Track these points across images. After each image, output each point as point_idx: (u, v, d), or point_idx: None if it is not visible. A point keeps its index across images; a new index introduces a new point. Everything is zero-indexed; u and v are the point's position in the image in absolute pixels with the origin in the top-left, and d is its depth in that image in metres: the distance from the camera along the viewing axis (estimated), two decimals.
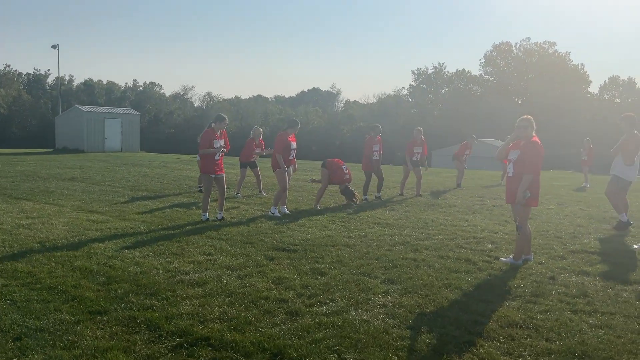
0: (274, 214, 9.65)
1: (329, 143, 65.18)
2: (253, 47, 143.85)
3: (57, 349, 3.87)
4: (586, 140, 18.70)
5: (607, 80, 77.88)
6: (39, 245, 7.02)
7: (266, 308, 4.79)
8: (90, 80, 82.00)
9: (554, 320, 4.63)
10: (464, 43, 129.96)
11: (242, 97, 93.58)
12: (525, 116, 6.48)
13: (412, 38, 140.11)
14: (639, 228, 8.99)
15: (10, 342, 3.96)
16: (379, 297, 5.15)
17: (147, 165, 22.26)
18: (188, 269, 6.02)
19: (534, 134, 6.40)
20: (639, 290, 5.56)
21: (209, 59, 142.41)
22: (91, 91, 78.47)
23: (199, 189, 13.43)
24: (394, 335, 4.26)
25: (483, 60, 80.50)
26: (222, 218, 9.19)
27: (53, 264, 6.09)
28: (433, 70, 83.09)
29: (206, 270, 5.98)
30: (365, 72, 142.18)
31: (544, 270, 6.23)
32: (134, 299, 4.92)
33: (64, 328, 4.23)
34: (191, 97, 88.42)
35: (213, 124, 9.28)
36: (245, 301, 4.96)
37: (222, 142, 9.19)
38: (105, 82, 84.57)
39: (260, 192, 12.94)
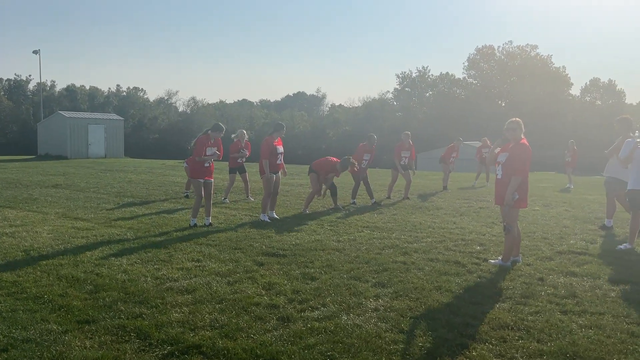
0: (263, 220, 9.61)
1: (314, 147, 65.18)
2: (238, 51, 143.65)
3: (45, 359, 3.80)
4: (570, 142, 18.93)
5: (588, 83, 78.85)
6: (23, 253, 6.90)
7: (257, 314, 4.76)
8: (73, 85, 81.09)
9: (545, 322, 4.66)
10: (448, 47, 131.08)
11: (227, 102, 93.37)
12: (514, 119, 6.54)
13: (396, 42, 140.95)
14: (624, 229, 9.10)
15: None
16: (370, 301, 5.14)
17: (132, 171, 22.06)
18: (177, 275, 5.96)
19: (522, 137, 6.45)
20: (626, 290, 5.61)
21: (193, 64, 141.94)
22: (73, 97, 77.59)
23: (185, 194, 13.33)
24: (387, 339, 4.25)
25: (466, 64, 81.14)
26: (210, 224, 9.13)
27: (39, 272, 5.99)
28: (417, 73, 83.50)
29: (195, 276, 5.92)
30: (350, 76, 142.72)
31: (532, 272, 6.27)
32: (122, 307, 4.85)
33: (52, 338, 4.15)
34: (175, 102, 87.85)
35: (210, 132, 9.23)
36: (236, 307, 4.91)
37: (214, 149, 9.19)
38: (88, 87, 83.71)
39: (247, 197, 12.88)
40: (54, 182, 16.35)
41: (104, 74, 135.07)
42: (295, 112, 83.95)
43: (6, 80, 79.48)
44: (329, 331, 4.38)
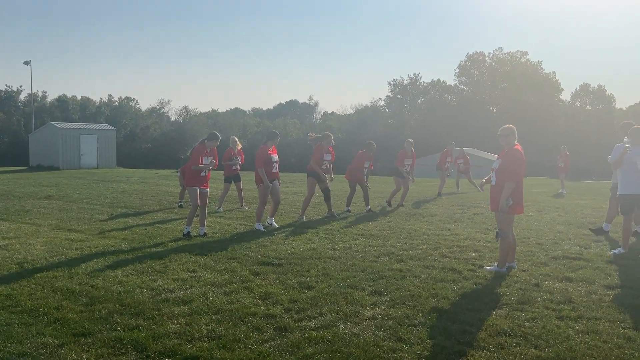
0: (258, 229, 9.59)
1: (307, 155, 64.86)
2: (229, 60, 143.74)
3: None
4: (562, 147, 19.05)
5: (578, 88, 79.63)
6: (17, 266, 6.85)
7: (254, 324, 4.74)
8: (64, 96, 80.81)
9: (541, 328, 4.67)
10: (439, 54, 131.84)
11: (220, 111, 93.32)
12: (507, 125, 6.59)
13: (387, 49, 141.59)
14: (617, 233, 9.15)
15: None
16: (368, 310, 5.14)
17: (125, 181, 21.98)
18: (172, 286, 5.93)
19: (516, 143, 6.50)
20: (622, 295, 5.64)
21: (185, 73, 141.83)
22: (65, 107, 77.30)
23: (179, 204, 13.29)
24: (385, 347, 4.25)
25: (457, 70, 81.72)
26: (205, 233, 9.10)
27: (33, 285, 5.94)
28: (409, 80, 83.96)
29: (191, 287, 5.90)
30: (342, 83, 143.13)
31: (528, 278, 6.30)
32: (118, 319, 4.82)
33: (48, 352, 4.11)
34: (168, 112, 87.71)
35: (206, 141, 9.23)
36: (233, 318, 4.90)
37: (210, 159, 9.21)
38: (79, 97, 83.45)
39: (242, 206, 12.85)
40: (47, 193, 16.26)
41: (96, 84, 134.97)
42: (287, 120, 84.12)
43: None
44: (327, 340, 4.37)
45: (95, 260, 7.20)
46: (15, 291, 5.71)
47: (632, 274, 6.55)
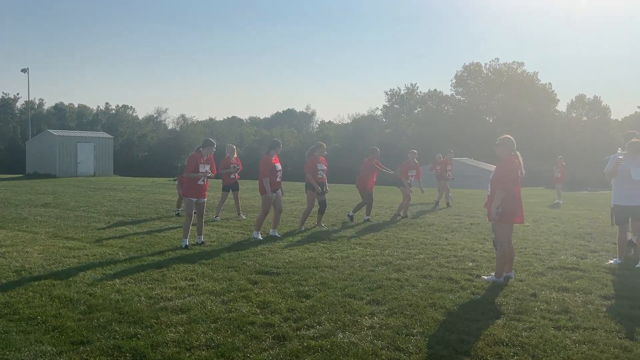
0: (256, 237, 9.58)
1: (304, 164, 65.29)
2: (227, 69, 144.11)
3: None
4: (559, 157, 19.17)
5: (574, 99, 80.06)
6: (14, 274, 6.84)
7: (253, 333, 4.75)
8: (61, 104, 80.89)
9: (539, 337, 4.69)
10: (435, 64, 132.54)
11: (217, 119, 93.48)
12: (504, 135, 6.67)
13: (384, 59, 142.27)
14: (613, 244, 9.20)
15: None
16: (366, 319, 5.15)
17: (122, 189, 21.96)
18: (170, 295, 5.93)
19: (512, 153, 6.55)
20: (618, 305, 5.67)
21: (183, 81, 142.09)
22: (62, 115, 77.32)
23: (176, 212, 13.28)
24: (383, 357, 4.26)
25: (454, 81, 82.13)
26: (202, 242, 9.10)
27: (31, 293, 5.94)
28: (406, 90, 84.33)
29: (189, 296, 5.90)
30: (340, 93, 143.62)
31: (525, 288, 6.32)
32: (117, 328, 4.82)
33: None
34: (165, 120, 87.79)
35: (201, 149, 9.17)
36: (231, 327, 4.90)
37: (207, 167, 9.07)
38: (76, 105, 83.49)
39: (239, 215, 12.86)
40: (44, 201, 16.23)
41: (93, 92, 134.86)
42: (285, 129, 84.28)
43: None
44: (325, 349, 4.38)
45: (92, 268, 7.19)
46: (13, 299, 5.70)
47: (629, 284, 6.59)
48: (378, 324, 5.03)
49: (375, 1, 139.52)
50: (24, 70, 41.09)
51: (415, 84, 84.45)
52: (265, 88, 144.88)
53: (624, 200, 7.71)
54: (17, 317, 5.13)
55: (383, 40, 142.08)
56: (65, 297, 5.76)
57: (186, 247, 8.76)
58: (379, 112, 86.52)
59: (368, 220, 12.19)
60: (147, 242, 9.20)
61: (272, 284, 6.41)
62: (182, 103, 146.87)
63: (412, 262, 7.68)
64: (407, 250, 8.66)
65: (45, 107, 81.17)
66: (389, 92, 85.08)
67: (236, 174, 12.73)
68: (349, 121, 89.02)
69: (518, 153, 6.65)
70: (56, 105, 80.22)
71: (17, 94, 79.51)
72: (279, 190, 9.97)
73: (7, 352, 4.24)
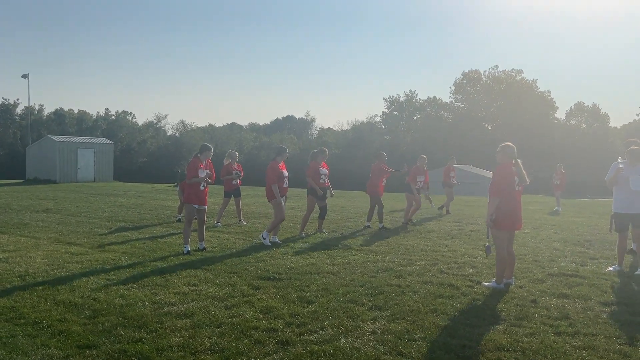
0: (264, 239, 9.61)
1: (304, 170, 65.05)
2: (227, 75, 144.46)
3: None
4: (558, 165, 19.25)
5: (573, 107, 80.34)
6: (18, 279, 6.89)
7: (256, 338, 4.80)
8: (61, 109, 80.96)
9: (539, 343, 4.75)
10: (435, 71, 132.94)
11: (217, 125, 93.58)
12: (504, 143, 6.75)
13: (383, 66, 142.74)
14: (612, 251, 9.26)
15: None
16: (368, 324, 5.21)
17: (122, 195, 22.01)
18: (174, 300, 5.99)
19: (511, 161, 6.63)
20: (617, 311, 5.73)
21: (183, 87, 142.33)
22: (62, 120, 77.44)
23: (177, 218, 13.33)
24: None
25: (453, 88, 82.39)
26: (204, 248, 9.15)
27: (35, 298, 5.99)
28: (405, 97, 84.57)
29: (192, 301, 5.95)
30: (339, 99, 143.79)
31: (525, 294, 6.38)
32: (122, 332, 4.87)
33: None
34: (164, 126, 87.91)
35: (199, 154, 9.23)
36: (235, 331, 4.95)
37: (207, 171, 9.11)
38: (76, 111, 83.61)
39: (240, 221, 12.91)
40: (45, 207, 16.28)
41: (93, 98, 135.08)
42: (284, 136, 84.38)
43: None
44: (329, 354, 4.43)
45: (96, 273, 7.24)
46: (18, 303, 5.76)
47: (628, 290, 6.65)
48: (380, 329, 5.08)
49: (375, 8, 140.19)
50: (24, 76, 41.23)
51: (414, 91, 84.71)
52: (265, 94, 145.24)
53: (624, 208, 7.79)
54: (23, 321, 5.18)
55: (382, 48, 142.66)
56: (69, 302, 5.82)
57: (188, 252, 8.80)
58: (378, 119, 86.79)
59: (367, 226, 12.21)
60: (149, 248, 9.25)
61: (275, 290, 6.47)
62: (182, 109, 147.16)
63: (412, 269, 7.74)
64: (407, 256, 8.71)
65: (45, 112, 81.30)
66: (388, 99, 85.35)
67: (238, 180, 12.78)
68: (348, 128, 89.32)
69: (519, 161, 6.72)
70: (56, 110, 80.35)
71: (17, 99, 79.62)
72: (284, 197, 10.04)
73: (15, 356, 4.29)
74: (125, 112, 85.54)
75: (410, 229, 12.11)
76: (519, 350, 4.58)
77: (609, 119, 79.68)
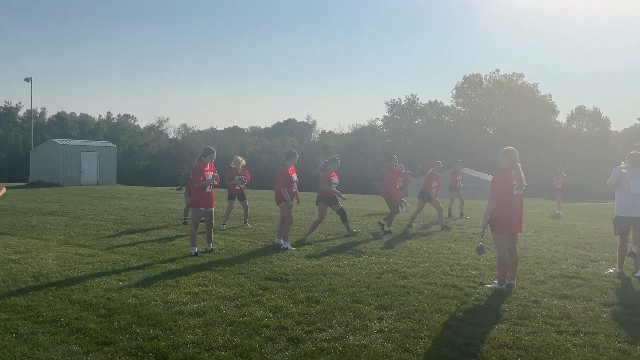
0: (286, 248, 9.71)
1: (305, 173, 65.11)
2: (228, 78, 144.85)
3: None
4: (560, 169, 19.43)
5: (574, 111, 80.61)
6: (32, 279, 7.06)
7: (268, 335, 4.96)
8: (63, 112, 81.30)
9: (541, 341, 4.91)
10: (436, 75, 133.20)
11: (218, 129, 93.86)
12: (506, 147, 6.91)
13: (385, 70, 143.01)
14: (613, 253, 9.42)
15: None
16: (375, 323, 5.37)
17: (126, 198, 22.18)
18: (185, 299, 6.15)
19: (514, 164, 6.79)
20: (617, 312, 5.89)
21: (185, 91, 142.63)
22: (64, 124, 77.77)
23: (183, 221, 13.49)
24: (394, 358, 4.47)
25: (454, 92, 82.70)
26: (212, 250, 9.31)
27: (50, 297, 6.16)
28: (406, 101, 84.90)
29: (203, 300, 6.12)
30: (340, 103, 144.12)
31: (527, 295, 6.54)
32: (137, 330, 5.04)
33: (75, 359, 4.33)
34: (166, 129, 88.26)
35: (203, 157, 9.38)
36: (247, 329, 5.12)
37: (212, 173, 9.24)
38: (78, 114, 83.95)
39: (245, 223, 13.07)
40: (50, 209, 16.45)
41: (95, 101, 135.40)
42: (286, 139, 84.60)
43: None
44: (338, 351, 4.60)
45: (107, 274, 7.41)
46: (34, 303, 5.92)
47: (628, 292, 6.81)
48: (387, 327, 5.24)
49: (376, 13, 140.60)
50: (27, 80, 41.53)
51: (415, 95, 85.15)
52: (267, 98, 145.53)
53: (625, 211, 7.95)
54: (41, 319, 5.35)
55: (384, 51, 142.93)
56: (84, 301, 5.98)
57: (196, 254, 8.96)
58: (379, 123, 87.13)
59: (381, 224, 12.41)
60: (158, 250, 9.42)
61: (283, 290, 6.63)
62: (184, 112, 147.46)
63: (417, 270, 7.90)
64: (411, 258, 8.87)
65: (47, 116, 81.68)
66: (390, 103, 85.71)
67: (242, 186, 12.93)
68: (350, 131, 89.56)
69: (519, 165, 6.88)
70: (58, 114, 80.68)
71: (19, 102, 79.90)
72: (295, 200, 10.16)
73: (37, 352, 4.46)
74: (127, 116, 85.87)
75: (413, 231, 12.27)
76: (522, 348, 4.74)
77: (610, 123, 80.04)
